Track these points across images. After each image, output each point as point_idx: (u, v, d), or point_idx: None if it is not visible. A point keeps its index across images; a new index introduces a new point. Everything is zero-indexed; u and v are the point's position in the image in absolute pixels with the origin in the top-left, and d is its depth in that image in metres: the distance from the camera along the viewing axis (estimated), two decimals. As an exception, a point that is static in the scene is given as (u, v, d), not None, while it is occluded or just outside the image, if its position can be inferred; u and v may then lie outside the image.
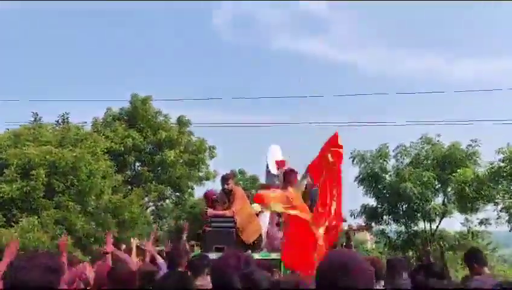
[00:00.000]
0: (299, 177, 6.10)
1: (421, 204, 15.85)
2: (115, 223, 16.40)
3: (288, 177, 6.16)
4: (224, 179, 6.48)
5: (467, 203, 15.16)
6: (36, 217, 13.65)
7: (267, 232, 6.52)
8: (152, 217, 27.49)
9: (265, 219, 6.68)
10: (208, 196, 7.16)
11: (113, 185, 17.57)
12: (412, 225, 17.40)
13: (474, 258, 4.12)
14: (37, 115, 18.66)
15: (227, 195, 6.39)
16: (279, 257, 5.14)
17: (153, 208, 26.70)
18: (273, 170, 7.18)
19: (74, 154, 15.37)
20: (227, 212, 6.23)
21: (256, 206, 6.86)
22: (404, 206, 16.96)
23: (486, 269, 4.04)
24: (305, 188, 6.31)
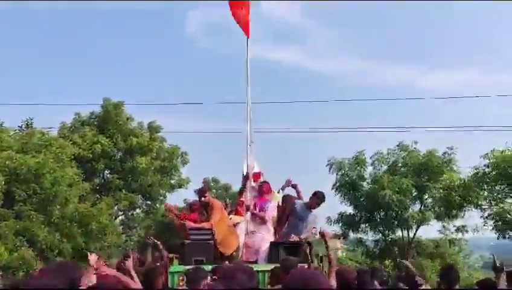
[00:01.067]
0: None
1: (399, 212, 15.63)
2: (81, 234, 15.48)
3: (260, 188, 6.78)
4: (201, 192, 6.54)
5: (452, 208, 15.08)
6: (-7, 227, 12.63)
7: (244, 243, 6.60)
8: (122, 227, 26.56)
9: (241, 231, 6.75)
10: (194, 208, 7.32)
11: (80, 194, 16.62)
12: (390, 233, 17.17)
13: (447, 276, 4.32)
14: (2, 123, 17.38)
15: (205, 207, 6.46)
16: (257, 269, 4.97)
17: (122, 217, 25.77)
18: (252, 183, 7.29)
19: (37, 160, 14.41)
20: (206, 225, 6.25)
21: (234, 217, 7.07)
22: (381, 214, 16.72)
23: (457, 287, 4.23)
24: (287, 202, 6.84)
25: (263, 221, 6.59)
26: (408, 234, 17.05)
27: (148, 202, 22.23)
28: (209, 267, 5.13)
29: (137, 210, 22.78)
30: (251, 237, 6.61)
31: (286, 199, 7.10)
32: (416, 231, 16.96)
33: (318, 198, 6.53)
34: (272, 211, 6.71)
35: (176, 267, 5.85)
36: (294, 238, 6.23)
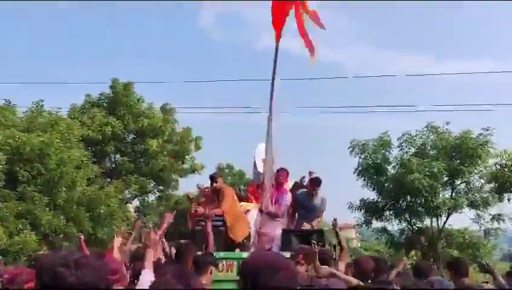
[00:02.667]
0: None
1: (428, 198, 14.34)
2: (88, 218, 14.67)
3: (277, 178, 6.45)
4: (213, 178, 6.41)
5: (505, 184, 13.74)
6: (-8, 209, 11.87)
7: (256, 230, 6.43)
8: (136, 213, 25.91)
9: (253, 218, 6.62)
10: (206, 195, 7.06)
11: (88, 176, 15.82)
12: (416, 221, 15.91)
13: (455, 268, 4.29)
14: (10, 102, 16.61)
15: (216, 194, 6.36)
16: None
17: (138, 204, 25.12)
18: (260, 169, 7.06)
19: (42, 139, 13.60)
20: (217, 211, 6.15)
21: (245, 204, 6.98)
22: (408, 201, 15.46)
23: (466, 280, 4.20)
24: (294, 191, 6.71)
25: (276, 217, 6.42)
26: (438, 223, 15.74)
27: (161, 187, 21.34)
28: (220, 254, 5.20)
29: (150, 196, 21.91)
30: (264, 225, 6.40)
31: (294, 187, 6.96)
32: (446, 220, 15.64)
33: (313, 184, 6.44)
34: (287, 203, 6.57)
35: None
36: (306, 226, 6.22)
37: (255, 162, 7.55)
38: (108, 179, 18.58)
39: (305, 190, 6.62)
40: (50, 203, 13.54)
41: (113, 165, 20.08)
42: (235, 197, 6.58)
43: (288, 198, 6.56)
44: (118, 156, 19.99)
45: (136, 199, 21.70)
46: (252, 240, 6.43)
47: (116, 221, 15.83)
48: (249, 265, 1.74)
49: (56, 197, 13.87)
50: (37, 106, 16.85)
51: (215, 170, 28.16)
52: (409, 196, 15.25)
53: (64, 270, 1.69)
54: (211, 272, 3.79)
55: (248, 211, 6.80)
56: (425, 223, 16.07)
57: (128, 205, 22.14)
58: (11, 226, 11.96)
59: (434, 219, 15.73)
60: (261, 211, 6.33)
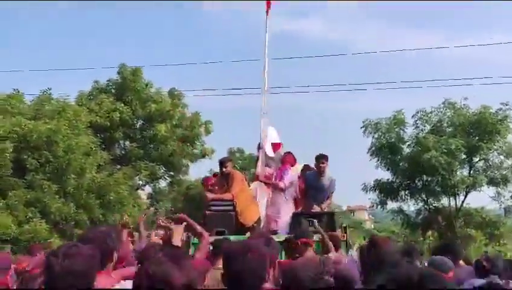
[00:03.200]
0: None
1: (446, 176, 13.86)
2: (98, 205, 14.55)
3: (283, 159, 6.59)
4: (222, 163, 6.41)
5: None
6: (1, 198, 11.74)
7: (266, 214, 6.53)
8: (149, 200, 25.85)
9: (263, 201, 6.67)
10: (206, 182, 7.20)
11: (97, 163, 15.66)
12: (433, 200, 15.44)
13: (449, 251, 4.04)
14: (18, 91, 16.38)
15: (226, 178, 6.35)
16: (278, 240, 4.90)
17: (150, 190, 25.04)
18: (270, 152, 7.10)
19: (49, 126, 13.41)
20: (226, 196, 6.18)
21: (253, 184, 7.06)
22: (424, 180, 14.99)
23: (461, 262, 4.10)
24: (302, 171, 6.69)
25: (277, 188, 6.43)
26: (456, 202, 15.28)
27: (171, 173, 21.15)
28: (230, 239, 5.06)
29: (161, 181, 21.76)
30: (271, 208, 6.54)
31: (304, 169, 6.85)
32: (464, 198, 15.17)
33: (318, 159, 6.34)
34: (290, 179, 6.46)
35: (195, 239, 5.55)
36: (316, 208, 6.13)
37: (260, 143, 7.40)
38: (118, 166, 18.42)
39: (314, 170, 6.55)
40: (59, 191, 13.41)
41: (123, 152, 19.93)
42: (245, 182, 6.58)
43: (291, 173, 6.49)
44: (127, 142, 19.80)
45: (147, 186, 21.59)
46: (262, 224, 6.42)
47: (126, 207, 15.70)
48: (224, 251, 2.02)
49: (65, 184, 13.73)
50: (44, 94, 16.68)
51: (226, 154, 28.01)
52: (425, 175, 14.79)
53: (53, 259, 1.82)
54: None
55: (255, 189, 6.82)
56: (442, 202, 15.63)
57: (139, 191, 22.12)
58: (21, 215, 11.85)
59: (451, 198, 15.24)
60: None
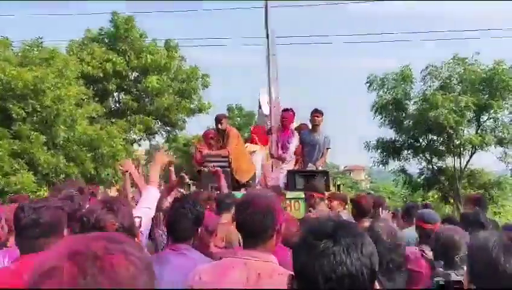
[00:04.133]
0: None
1: (453, 135, 13.23)
2: (90, 159, 14.01)
3: (282, 120, 6.47)
4: (218, 119, 6.46)
5: None
6: (-15, 148, 11.18)
7: (262, 172, 6.64)
8: (146, 157, 25.41)
9: (258, 159, 6.79)
10: (206, 136, 7.12)
11: (89, 115, 15.02)
12: (438, 160, 14.89)
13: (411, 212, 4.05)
14: (7, 38, 15.43)
15: (221, 135, 6.41)
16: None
17: (147, 147, 24.56)
18: (266, 111, 7.19)
19: (36, 74, 12.64)
20: (222, 152, 6.23)
21: (250, 146, 7.11)
22: (429, 139, 14.37)
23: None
24: (299, 131, 6.63)
25: (283, 161, 6.43)
26: (460, 162, 14.73)
27: (168, 128, 20.53)
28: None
29: (158, 137, 21.18)
30: (267, 165, 6.64)
31: (299, 128, 6.87)
32: (469, 158, 14.59)
33: (312, 115, 6.30)
34: (294, 146, 6.50)
35: None
36: (310, 167, 6.14)
37: (259, 103, 7.65)
38: (113, 120, 17.77)
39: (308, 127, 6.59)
40: (48, 142, 12.82)
41: (117, 105, 19.23)
42: (240, 139, 6.64)
43: (295, 140, 6.48)
44: (121, 94, 19.05)
45: (146, 141, 21.06)
46: (257, 180, 6.52)
47: (120, 162, 15.18)
48: (235, 203, 2.10)
49: (54, 136, 13.13)
50: (34, 42, 15.73)
51: (225, 111, 27.35)
52: (430, 134, 14.15)
53: (20, 212, 1.90)
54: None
55: (253, 152, 6.91)
56: (446, 162, 15.08)
57: (136, 147, 21.61)
58: (6, 166, 11.30)
59: (456, 159, 14.68)
60: (271, 156, 6.54)
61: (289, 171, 6.06)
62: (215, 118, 6.56)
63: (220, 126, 6.33)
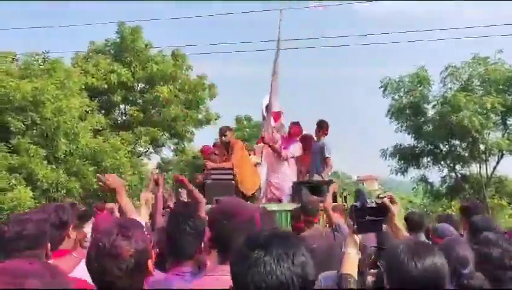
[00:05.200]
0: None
1: (479, 139, 12.29)
2: (92, 172, 13.40)
3: (289, 130, 6.68)
4: (222, 132, 6.45)
5: None
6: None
7: (267, 181, 6.61)
8: (158, 170, 24.84)
9: (263, 171, 6.75)
10: (204, 152, 7.24)
11: (93, 127, 14.51)
12: (462, 166, 13.90)
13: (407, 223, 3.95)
14: (15, 55, 15.03)
15: (226, 147, 6.40)
16: (278, 208, 5.39)
17: (159, 160, 24.11)
18: (271, 122, 7.17)
19: (36, 85, 12.18)
20: (226, 164, 6.22)
21: (255, 158, 7.03)
22: (450, 145, 13.44)
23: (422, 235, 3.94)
24: (306, 141, 6.70)
25: (279, 157, 6.50)
26: (486, 168, 13.71)
27: (175, 140, 19.92)
28: None
29: (167, 151, 20.59)
30: (273, 176, 6.57)
31: (305, 138, 6.85)
32: (496, 164, 13.58)
33: (317, 126, 6.39)
34: (294, 150, 6.58)
35: None
36: (317, 177, 6.16)
37: (263, 113, 7.57)
38: (119, 132, 17.25)
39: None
40: (48, 156, 12.28)
41: (124, 117, 18.73)
42: (245, 151, 6.65)
43: (295, 147, 6.56)
44: (127, 106, 18.53)
45: (155, 155, 20.52)
46: (262, 191, 6.50)
47: (124, 175, 14.56)
48: (209, 215, 1.91)
49: (55, 149, 12.58)
50: (37, 54, 15.31)
51: (234, 121, 26.70)
52: (452, 139, 13.21)
53: (4, 226, 1.93)
54: None
55: (258, 164, 6.84)
56: (469, 169, 14.08)
57: (146, 160, 21.11)
58: (3, 182, 10.74)
59: (481, 165, 13.67)
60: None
61: (295, 183, 6.15)
62: (219, 130, 6.62)
63: (224, 138, 6.34)
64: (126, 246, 1.56)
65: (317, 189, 5.54)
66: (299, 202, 4.98)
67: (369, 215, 2.05)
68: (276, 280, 1.04)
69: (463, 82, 13.35)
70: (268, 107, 7.19)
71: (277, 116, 7.22)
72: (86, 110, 14.61)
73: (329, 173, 6.33)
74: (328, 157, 6.18)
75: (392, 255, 1.60)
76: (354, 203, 2.07)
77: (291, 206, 5.11)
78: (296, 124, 6.75)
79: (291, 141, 6.65)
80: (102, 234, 1.62)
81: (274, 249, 1.07)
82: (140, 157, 18.74)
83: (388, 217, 2.13)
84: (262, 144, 7.03)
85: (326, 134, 6.30)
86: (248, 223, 1.65)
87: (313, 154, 6.38)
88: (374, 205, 2.07)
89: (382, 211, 2.06)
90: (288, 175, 6.48)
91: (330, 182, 5.63)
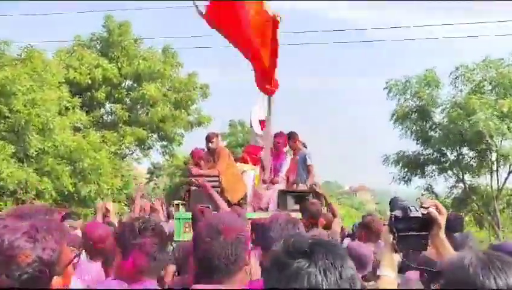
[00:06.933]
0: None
1: (494, 147, 11.22)
2: (68, 173, 12.19)
3: (275, 144, 6.55)
4: (208, 138, 6.36)
5: None
6: None
7: (253, 191, 6.55)
8: (148, 175, 23.75)
9: (249, 179, 6.73)
10: (195, 154, 7.17)
11: (71, 124, 13.35)
12: (471, 176, 12.86)
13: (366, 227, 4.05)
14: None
15: (212, 154, 6.35)
16: (264, 216, 4.73)
17: (149, 165, 22.98)
18: (258, 130, 7.33)
19: (6, 74, 11.03)
20: (212, 172, 6.14)
21: (241, 165, 7.00)
22: (459, 151, 12.37)
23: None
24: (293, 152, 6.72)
25: (276, 183, 6.41)
26: (498, 179, 12.63)
27: (164, 143, 18.71)
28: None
29: (152, 152, 19.35)
30: (260, 186, 6.57)
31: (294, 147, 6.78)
32: (508, 175, 12.51)
33: (289, 138, 6.51)
34: (285, 168, 6.53)
35: (181, 213, 5.94)
36: (302, 186, 6.16)
37: (251, 123, 7.60)
38: (104, 131, 16.05)
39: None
40: (17, 152, 11.08)
41: (110, 116, 17.54)
42: (231, 158, 6.56)
43: (286, 164, 6.51)
44: (112, 104, 17.33)
45: (146, 159, 19.33)
46: (248, 200, 6.39)
47: (104, 177, 13.36)
48: (194, 232, 1.86)
49: (27, 146, 11.39)
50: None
51: (227, 125, 25.59)
52: (461, 146, 12.15)
53: None
54: None
55: (244, 172, 6.77)
56: (478, 180, 13.02)
57: (137, 165, 19.96)
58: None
59: (492, 175, 12.59)
60: (264, 181, 6.46)
61: (280, 191, 6.04)
62: (206, 136, 6.47)
63: (210, 145, 6.25)
64: (27, 250, 1.30)
65: (302, 198, 5.39)
66: (283, 211, 4.84)
67: (410, 230, 1.67)
68: None
69: (476, 84, 12.32)
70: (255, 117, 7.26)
71: (262, 124, 7.22)
72: (65, 106, 13.49)
73: (313, 180, 6.25)
74: (310, 165, 6.24)
75: (459, 270, 1.22)
76: (394, 213, 1.70)
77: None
78: (279, 136, 6.56)
79: (281, 155, 6.54)
80: (8, 229, 1.36)
81: (320, 259, 0.96)
82: (124, 159, 17.55)
83: (433, 232, 1.68)
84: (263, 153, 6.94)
85: (299, 141, 6.42)
86: (235, 242, 1.64)
87: (297, 164, 6.43)
88: (419, 214, 1.66)
89: (427, 223, 1.68)
90: (276, 188, 6.35)
91: (315, 192, 5.42)
